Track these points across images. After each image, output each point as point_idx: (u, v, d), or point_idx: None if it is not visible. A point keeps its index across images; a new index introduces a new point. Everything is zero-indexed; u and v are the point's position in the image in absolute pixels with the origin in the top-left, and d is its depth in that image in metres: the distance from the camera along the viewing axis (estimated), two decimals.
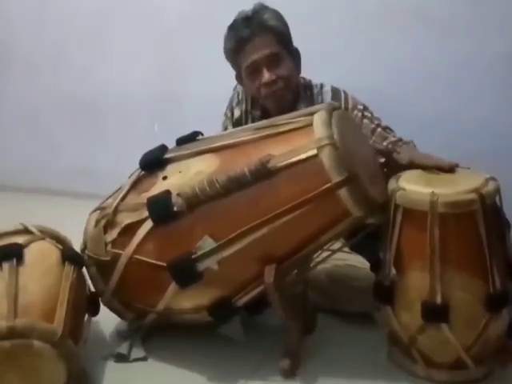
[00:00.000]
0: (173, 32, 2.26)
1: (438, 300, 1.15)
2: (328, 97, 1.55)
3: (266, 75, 1.47)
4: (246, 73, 1.51)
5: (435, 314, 1.15)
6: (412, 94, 1.93)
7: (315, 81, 1.60)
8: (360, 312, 1.43)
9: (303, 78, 1.60)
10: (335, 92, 1.56)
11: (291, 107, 1.49)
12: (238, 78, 1.57)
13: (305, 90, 1.58)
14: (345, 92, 1.56)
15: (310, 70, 1.59)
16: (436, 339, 1.18)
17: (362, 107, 1.52)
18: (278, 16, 1.52)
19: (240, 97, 1.63)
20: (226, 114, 1.65)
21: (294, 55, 1.55)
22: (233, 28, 1.51)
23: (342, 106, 1.50)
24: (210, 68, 2.13)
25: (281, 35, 1.50)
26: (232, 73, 1.59)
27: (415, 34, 1.90)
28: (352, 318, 1.44)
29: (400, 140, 1.46)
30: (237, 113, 1.62)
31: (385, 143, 1.45)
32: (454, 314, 1.15)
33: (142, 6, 2.28)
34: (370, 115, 1.52)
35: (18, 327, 1.07)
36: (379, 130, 1.47)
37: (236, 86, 1.66)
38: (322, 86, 1.59)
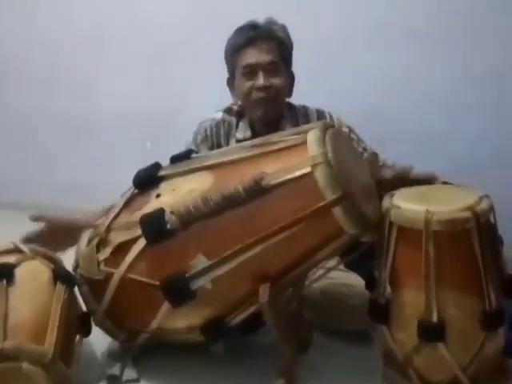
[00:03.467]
0: (167, 50, 2.27)
1: (434, 318, 1.13)
2: (314, 118, 1.56)
3: (261, 79, 1.49)
4: (242, 72, 1.51)
5: (431, 332, 1.14)
6: (405, 111, 1.95)
7: (305, 98, 1.59)
8: (356, 330, 1.42)
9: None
10: (320, 113, 1.57)
11: (276, 126, 1.50)
12: (230, 81, 1.57)
13: (289, 110, 1.58)
14: (329, 113, 1.57)
15: (301, 88, 1.59)
16: (432, 358, 1.16)
17: (347, 129, 1.52)
18: (286, 32, 1.55)
19: (208, 133, 1.60)
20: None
21: (290, 76, 1.56)
22: (241, 28, 1.54)
23: None
24: (204, 86, 2.14)
25: (284, 49, 1.53)
26: (225, 91, 1.58)
27: (408, 50, 1.92)
28: (348, 336, 1.43)
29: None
30: (204, 150, 1.58)
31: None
32: (450, 333, 1.13)
33: (136, 22, 2.30)
34: (355, 138, 1.52)
35: (7, 349, 1.05)
36: (365, 154, 1.48)
37: (202, 123, 1.64)
38: (305, 107, 1.60)
